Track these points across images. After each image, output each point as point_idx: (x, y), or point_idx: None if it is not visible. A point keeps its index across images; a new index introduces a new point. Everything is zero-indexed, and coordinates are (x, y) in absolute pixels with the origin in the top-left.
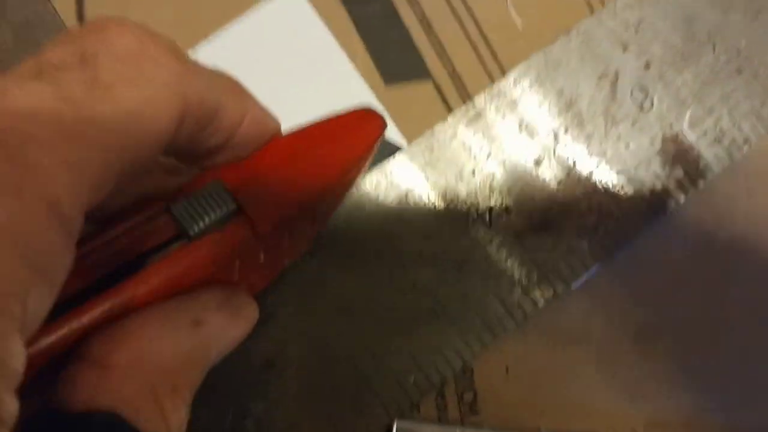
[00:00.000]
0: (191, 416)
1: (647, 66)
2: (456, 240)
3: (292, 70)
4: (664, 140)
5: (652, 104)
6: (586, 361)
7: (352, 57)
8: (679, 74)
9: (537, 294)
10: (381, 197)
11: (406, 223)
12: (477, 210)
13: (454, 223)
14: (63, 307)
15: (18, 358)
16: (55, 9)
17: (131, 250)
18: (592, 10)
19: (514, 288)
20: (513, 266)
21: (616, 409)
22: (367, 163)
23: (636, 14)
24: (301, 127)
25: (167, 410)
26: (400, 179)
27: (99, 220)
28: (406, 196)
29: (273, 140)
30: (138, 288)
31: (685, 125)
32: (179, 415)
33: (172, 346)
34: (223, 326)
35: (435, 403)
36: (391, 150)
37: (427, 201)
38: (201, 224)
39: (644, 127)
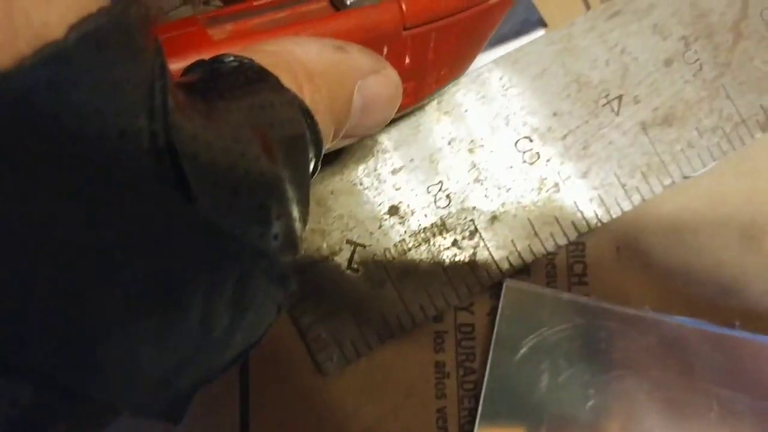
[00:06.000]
0: None
1: None
2: (585, 121)
3: None
4: None
5: None
6: (693, 252)
7: None
8: None
9: (654, 180)
10: (517, 71)
11: (544, 103)
12: (607, 97)
13: (585, 106)
14: None
15: None
16: None
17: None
18: None
19: (635, 172)
20: (635, 152)
21: (717, 299)
22: (496, 27)
23: None
24: None
25: (304, 88)
26: (536, 60)
27: None
28: (542, 74)
29: None
30: (291, 32)
31: None
32: (316, 96)
33: (316, 52)
34: (365, 64)
35: (545, 271)
36: (529, 29)
37: (560, 82)
38: None
39: None
